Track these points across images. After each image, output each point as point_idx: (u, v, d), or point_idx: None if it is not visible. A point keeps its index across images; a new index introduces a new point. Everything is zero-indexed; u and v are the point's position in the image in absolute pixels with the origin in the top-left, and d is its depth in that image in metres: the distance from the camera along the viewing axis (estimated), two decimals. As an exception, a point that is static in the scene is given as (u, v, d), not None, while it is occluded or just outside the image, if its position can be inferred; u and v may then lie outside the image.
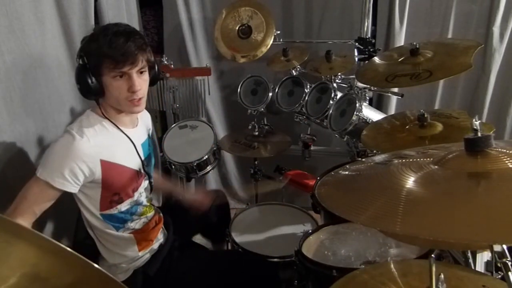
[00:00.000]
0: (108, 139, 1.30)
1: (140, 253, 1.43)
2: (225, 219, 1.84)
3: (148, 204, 1.49)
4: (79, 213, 1.53)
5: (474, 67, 1.23)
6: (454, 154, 0.75)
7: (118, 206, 1.35)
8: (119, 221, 1.37)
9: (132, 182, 1.37)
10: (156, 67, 1.38)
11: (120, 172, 1.33)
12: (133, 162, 1.38)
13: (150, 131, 1.59)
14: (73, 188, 1.24)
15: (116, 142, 1.33)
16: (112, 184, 1.31)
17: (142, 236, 1.43)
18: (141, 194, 1.44)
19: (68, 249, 0.56)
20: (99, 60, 1.22)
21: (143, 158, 1.42)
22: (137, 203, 1.41)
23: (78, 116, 1.35)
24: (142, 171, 1.42)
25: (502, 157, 0.69)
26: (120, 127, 1.35)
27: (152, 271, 1.42)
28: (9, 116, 1.48)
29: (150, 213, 1.48)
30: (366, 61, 1.94)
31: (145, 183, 1.45)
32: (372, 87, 1.80)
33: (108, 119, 1.32)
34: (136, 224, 1.42)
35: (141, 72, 1.28)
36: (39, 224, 1.70)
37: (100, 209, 1.33)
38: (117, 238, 1.38)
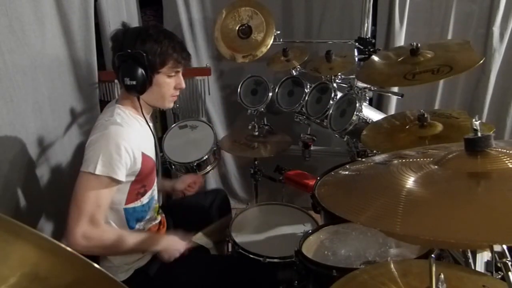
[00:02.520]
0: (142, 133, 1.39)
1: (142, 254, 1.43)
2: (227, 218, 1.83)
3: (156, 204, 1.54)
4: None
5: (474, 67, 1.24)
6: (454, 154, 0.75)
7: (142, 199, 1.41)
8: (137, 217, 1.42)
9: (153, 174, 1.46)
10: None
11: (151, 165, 1.41)
12: (153, 155, 1.45)
13: None
14: (125, 178, 1.29)
15: (146, 135, 1.41)
16: (145, 177, 1.38)
17: None
18: (155, 187, 1.50)
19: (68, 249, 0.56)
20: (163, 60, 1.32)
21: (158, 152, 1.50)
22: (153, 197, 1.48)
23: (79, 116, 1.37)
24: (156, 163, 1.49)
25: (502, 157, 0.69)
26: (147, 121, 1.43)
27: (153, 271, 1.42)
28: (9, 116, 1.48)
29: (159, 215, 1.54)
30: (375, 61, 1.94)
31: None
32: (372, 87, 1.80)
33: (142, 114, 1.39)
34: (146, 224, 1.47)
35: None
36: (39, 224, 1.70)
37: (126, 202, 1.37)
38: None
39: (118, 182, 1.26)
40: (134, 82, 1.30)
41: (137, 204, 1.40)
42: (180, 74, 1.40)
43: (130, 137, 1.28)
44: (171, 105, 1.45)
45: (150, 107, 1.43)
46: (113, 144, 1.24)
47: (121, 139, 1.25)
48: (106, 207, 1.28)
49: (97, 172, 1.21)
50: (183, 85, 1.41)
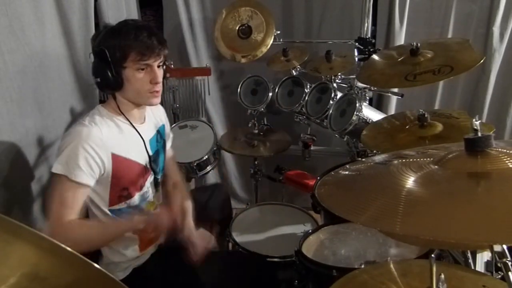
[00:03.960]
0: (120, 134, 1.33)
1: (140, 253, 1.43)
2: (226, 213, 1.83)
3: (153, 200, 1.49)
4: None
5: (474, 67, 1.24)
6: (454, 154, 0.75)
7: (128, 201, 1.37)
8: (127, 216, 1.37)
9: (140, 177, 1.39)
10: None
11: (130, 167, 1.35)
12: (142, 157, 1.40)
13: (163, 126, 1.58)
14: (90, 180, 1.24)
15: (127, 137, 1.36)
16: (121, 179, 1.32)
17: (145, 236, 1.43)
18: (148, 189, 1.45)
19: (68, 249, 0.56)
20: (123, 53, 1.25)
21: (150, 154, 1.43)
22: (144, 199, 1.43)
23: (79, 116, 1.36)
24: (148, 166, 1.43)
25: (502, 157, 0.69)
26: (131, 122, 1.37)
27: (151, 270, 1.42)
28: (9, 116, 1.48)
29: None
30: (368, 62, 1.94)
31: (150, 178, 1.46)
32: (372, 87, 1.80)
33: (122, 113, 1.34)
34: None
35: (159, 66, 1.33)
36: (40, 224, 1.70)
37: (109, 204, 1.34)
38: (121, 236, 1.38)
39: (80, 184, 1.21)
40: (99, 80, 1.27)
41: (122, 206, 1.36)
42: (155, 68, 1.30)
43: (94, 134, 1.23)
44: (155, 100, 1.35)
45: (134, 105, 1.36)
46: (73, 144, 1.21)
47: (82, 140, 1.21)
48: (75, 207, 1.23)
49: (53, 170, 1.20)
50: (158, 79, 1.31)
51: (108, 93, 1.33)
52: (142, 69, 1.29)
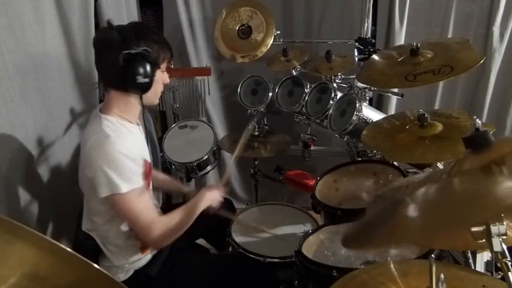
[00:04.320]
0: (132, 137, 1.35)
1: (142, 254, 1.43)
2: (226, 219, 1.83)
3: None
4: (80, 213, 1.53)
5: (474, 67, 1.24)
6: (460, 159, 0.76)
7: None
8: None
9: (149, 175, 1.44)
10: None
11: (148, 167, 1.41)
12: (148, 155, 1.44)
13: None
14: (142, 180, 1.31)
15: (138, 138, 1.40)
16: (145, 179, 1.36)
17: None
18: (150, 187, 1.49)
19: (68, 249, 0.56)
20: (159, 54, 1.31)
21: (150, 151, 1.49)
22: (151, 197, 1.46)
23: (79, 116, 1.36)
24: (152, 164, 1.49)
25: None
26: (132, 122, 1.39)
27: (153, 272, 1.42)
28: (9, 116, 1.48)
29: None
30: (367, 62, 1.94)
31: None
32: (372, 87, 1.80)
33: (125, 118, 1.35)
34: None
35: None
36: (39, 224, 1.70)
37: None
38: (127, 239, 1.38)
39: (141, 188, 1.29)
40: (147, 79, 1.28)
41: None
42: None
43: (128, 147, 1.27)
44: (157, 101, 1.45)
45: (140, 106, 1.38)
46: (116, 158, 1.23)
47: (120, 153, 1.24)
48: (152, 207, 1.33)
49: (123, 191, 1.23)
50: (168, 80, 1.41)
51: (139, 94, 1.32)
52: (164, 71, 1.35)
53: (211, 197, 1.47)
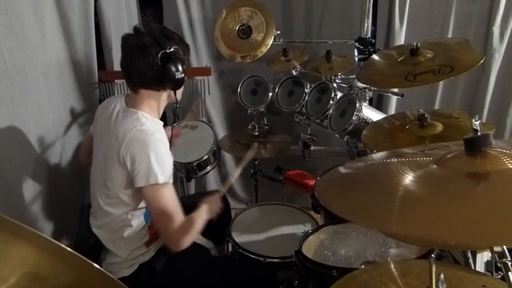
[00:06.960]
0: (163, 136, 1.42)
1: (147, 248, 1.45)
2: (226, 219, 1.83)
3: None
4: (80, 213, 1.53)
5: (474, 67, 1.24)
6: (454, 154, 0.75)
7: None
8: (148, 215, 1.45)
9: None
10: None
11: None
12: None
13: None
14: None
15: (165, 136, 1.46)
16: None
17: (153, 231, 1.45)
18: None
19: (68, 249, 0.56)
20: (185, 53, 1.44)
21: None
22: None
23: (79, 116, 1.37)
24: None
25: (502, 157, 0.69)
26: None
27: (159, 265, 1.44)
28: (9, 116, 1.49)
29: None
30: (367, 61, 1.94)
31: None
32: (372, 87, 1.80)
33: (156, 116, 1.44)
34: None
35: None
36: (39, 224, 1.70)
37: (139, 203, 1.41)
38: (139, 231, 1.42)
39: (171, 183, 1.35)
40: (183, 75, 1.39)
41: (143, 204, 1.42)
42: None
43: (166, 143, 1.38)
44: None
45: (166, 104, 1.49)
46: (158, 149, 1.31)
47: (163, 148, 1.34)
48: (179, 204, 1.37)
49: (160, 182, 1.29)
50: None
51: (173, 89, 1.41)
52: None
53: (212, 209, 1.47)
